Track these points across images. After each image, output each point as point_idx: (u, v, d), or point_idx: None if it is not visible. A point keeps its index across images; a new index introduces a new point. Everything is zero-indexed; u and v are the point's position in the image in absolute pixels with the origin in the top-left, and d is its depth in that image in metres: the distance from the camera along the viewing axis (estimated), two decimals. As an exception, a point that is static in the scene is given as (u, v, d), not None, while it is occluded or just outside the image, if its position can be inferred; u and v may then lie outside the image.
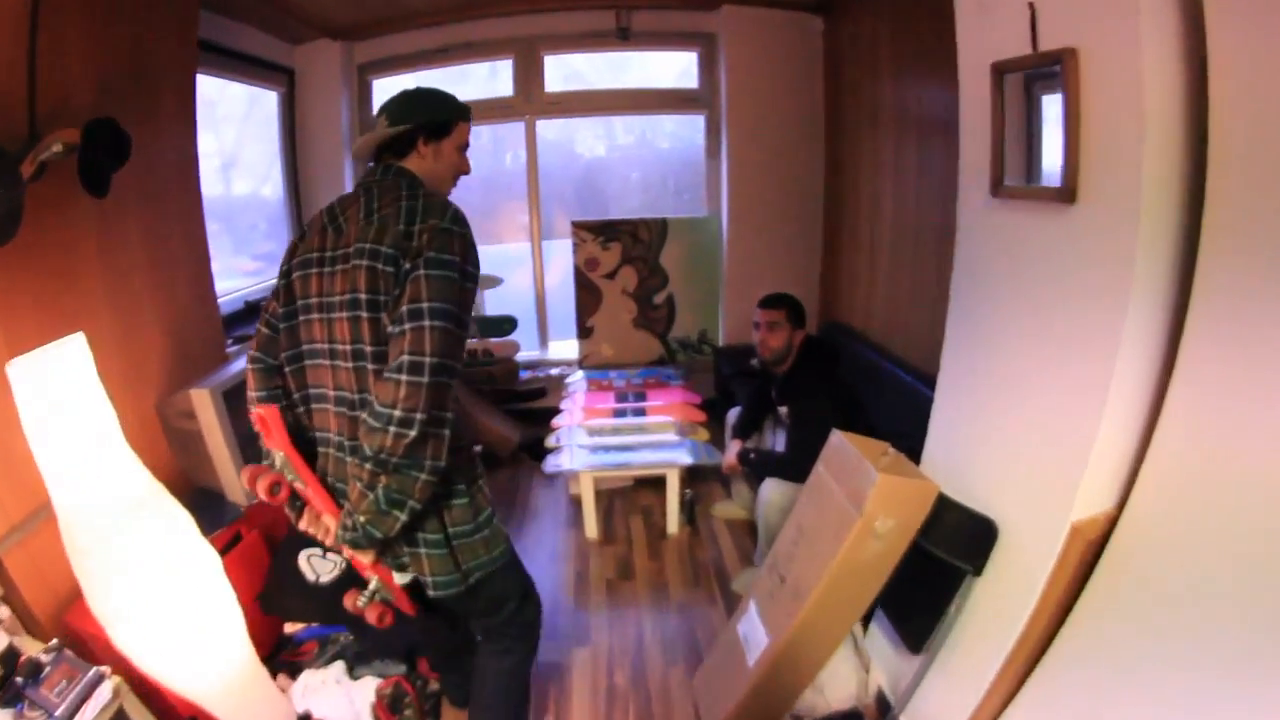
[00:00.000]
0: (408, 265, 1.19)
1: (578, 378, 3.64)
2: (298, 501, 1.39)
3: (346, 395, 1.28)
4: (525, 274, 4.13)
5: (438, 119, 1.38)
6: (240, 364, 2.33)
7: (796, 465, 2.17)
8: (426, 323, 1.15)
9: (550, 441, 2.95)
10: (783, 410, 2.39)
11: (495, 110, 3.89)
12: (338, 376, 1.29)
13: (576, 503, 3.01)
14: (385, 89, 3.98)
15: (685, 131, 4.25)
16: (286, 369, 1.37)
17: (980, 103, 1.38)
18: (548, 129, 4.22)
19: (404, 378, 1.13)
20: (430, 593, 1.38)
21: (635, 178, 4.41)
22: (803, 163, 3.82)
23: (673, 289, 3.97)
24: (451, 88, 1.44)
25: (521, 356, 3.94)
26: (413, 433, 1.14)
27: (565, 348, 4.22)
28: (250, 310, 3.21)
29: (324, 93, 3.77)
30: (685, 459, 2.72)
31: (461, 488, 1.36)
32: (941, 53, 2.59)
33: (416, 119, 1.36)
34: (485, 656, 1.62)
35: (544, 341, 4.26)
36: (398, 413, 1.13)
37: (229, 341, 2.75)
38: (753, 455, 2.33)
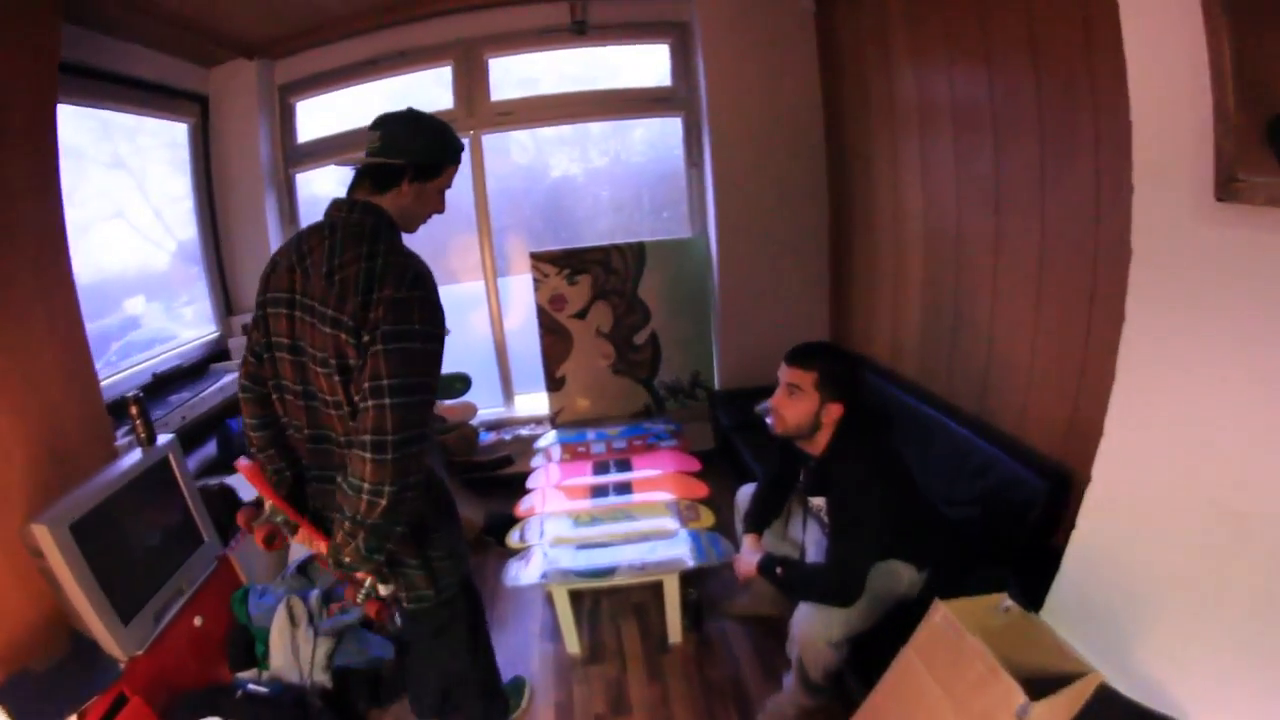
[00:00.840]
0: (367, 338, 1.22)
1: (549, 440, 3.02)
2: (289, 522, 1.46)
3: (309, 432, 1.39)
4: (482, 317, 3.51)
5: (430, 161, 1.36)
6: (124, 464, 1.93)
7: (844, 586, 1.56)
8: (386, 401, 1.19)
9: (513, 539, 2.32)
10: (815, 501, 1.78)
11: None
12: (313, 415, 1.37)
13: (553, 602, 2.40)
14: (309, 110, 3.54)
15: (660, 138, 3.65)
16: (273, 396, 1.42)
17: (1166, 43, 0.80)
18: (521, 153, 3.68)
19: (369, 455, 1.20)
20: (406, 605, 1.49)
21: (605, 196, 3.79)
22: (802, 167, 3.24)
23: (656, 326, 3.35)
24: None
25: (482, 417, 3.32)
26: (384, 501, 1.21)
27: (534, 402, 3.59)
28: (159, 383, 2.84)
29: (241, 120, 3.31)
30: (687, 560, 2.07)
31: (437, 522, 1.50)
32: (975, 25, 2.04)
33: (410, 156, 1.33)
34: None
35: (508, 397, 3.62)
36: (367, 485, 1.21)
37: (121, 431, 2.22)
38: (779, 570, 1.70)
